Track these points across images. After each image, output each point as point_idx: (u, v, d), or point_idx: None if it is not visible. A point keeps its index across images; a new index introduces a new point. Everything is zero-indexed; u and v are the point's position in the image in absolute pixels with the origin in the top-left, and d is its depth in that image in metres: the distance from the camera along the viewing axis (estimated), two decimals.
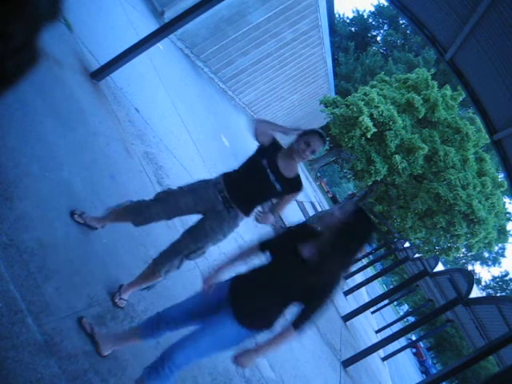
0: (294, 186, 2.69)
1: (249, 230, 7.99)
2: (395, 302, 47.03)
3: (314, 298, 1.95)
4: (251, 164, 2.66)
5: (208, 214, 2.67)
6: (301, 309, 1.98)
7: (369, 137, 9.93)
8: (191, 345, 2.00)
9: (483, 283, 40.31)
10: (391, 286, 44.68)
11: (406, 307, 54.88)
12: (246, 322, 2.03)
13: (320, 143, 2.60)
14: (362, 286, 17.44)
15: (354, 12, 58.28)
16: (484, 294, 33.92)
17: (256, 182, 2.62)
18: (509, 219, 16.78)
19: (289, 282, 1.97)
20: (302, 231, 2.06)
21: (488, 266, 38.99)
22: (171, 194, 2.67)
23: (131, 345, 2.41)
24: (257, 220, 2.67)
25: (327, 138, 33.67)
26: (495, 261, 38.26)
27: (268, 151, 2.63)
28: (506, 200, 24.41)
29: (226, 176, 2.68)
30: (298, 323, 1.95)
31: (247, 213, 2.70)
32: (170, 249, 2.69)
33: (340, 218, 1.92)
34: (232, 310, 2.03)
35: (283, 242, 2.11)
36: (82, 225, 2.81)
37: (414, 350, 41.60)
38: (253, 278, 2.13)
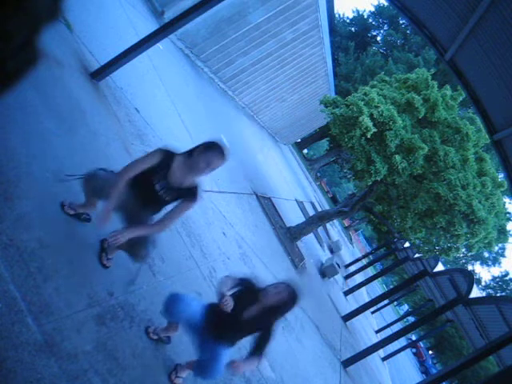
0: (189, 195, 2.65)
1: (248, 229, 7.99)
2: (395, 302, 47.03)
3: (260, 337, 2.76)
4: (141, 179, 2.61)
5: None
6: (253, 341, 2.77)
7: (369, 137, 9.92)
8: (212, 373, 2.78)
9: (483, 283, 40.33)
10: (391, 286, 44.70)
11: (406, 307, 54.88)
12: (227, 343, 2.84)
13: (221, 162, 2.58)
14: (362, 285, 17.44)
15: (354, 12, 58.26)
16: (484, 294, 33.93)
17: (146, 196, 2.63)
18: (509, 219, 16.78)
19: (240, 327, 2.78)
20: (252, 296, 2.78)
21: (488, 265, 39.00)
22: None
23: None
24: (110, 240, 2.54)
25: (327, 139, 33.69)
26: (495, 261, 38.26)
27: (159, 166, 2.60)
28: (506, 200, 24.43)
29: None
30: (257, 351, 2.73)
31: (145, 221, 2.71)
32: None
33: (278, 300, 2.68)
34: (214, 337, 2.79)
35: (240, 298, 2.77)
36: (73, 216, 2.81)
37: (413, 350, 41.58)
38: (221, 317, 2.76)
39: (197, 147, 2.63)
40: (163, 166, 2.61)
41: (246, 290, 2.82)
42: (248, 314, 2.74)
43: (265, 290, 2.74)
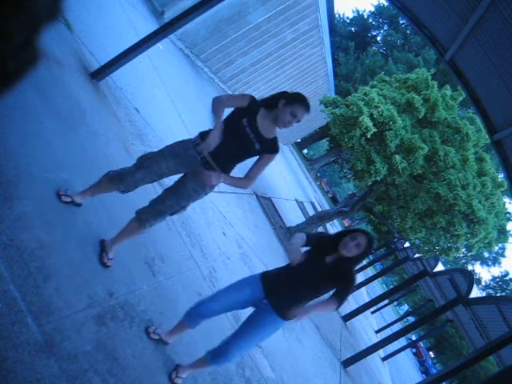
0: (272, 146, 2.65)
1: (248, 228, 7.99)
2: (395, 302, 47.01)
3: (342, 286, 2.56)
4: (230, 123, 2.60)
5: (190, 176, 2.67)
6: (335, 291, 2.57)
7: (369, 137, 9.93)
8: (244, 342, 2.60)
9: (483, 283, 40.33)
10: (391, 286, 44.69)
11: (406, 307, 54.88)
12: (283, 313, 2.57)
13: (305, 113, 2.58)
14: (362, 285, 17.44)
15: (354, 12, 58.25)
16: (484, 294, 33.93)
17: (235, 141, 2.59)
18: (509, 219, 16.79)
19: (316, 278, 2.58)
20: (329, 244, 2.63)
21: (488, 265, 39.00)
22: (153, 160, 2.64)
23: (185, 333, 2.99)
24: (203, 180, 2.56)
25: (327, 139, 33.73)
26: (495, 261, 38.28)
27: (248, 111, 2.59)
28: (506, 200, 24.44)
29: (204, 135, 2.63)
30: (338, 297, 2.53)
31: (227, 172, 2.67)
32: (155, 209, 2.70)
33: (358, 251, 2.51)
34: (270, 305, 2.57)
35: (317, 248, 2.65)
36: (69, 203, 2.80)
37: (413, 350, 41.57)
38: (285, 275, 2.63)
39: (278, 98, 2.59)
40: (250, 112, 2.58)
41: (322, 240, 2.68)
42: (326, 264, 2.57)
43: (342, 241, 2.55)
